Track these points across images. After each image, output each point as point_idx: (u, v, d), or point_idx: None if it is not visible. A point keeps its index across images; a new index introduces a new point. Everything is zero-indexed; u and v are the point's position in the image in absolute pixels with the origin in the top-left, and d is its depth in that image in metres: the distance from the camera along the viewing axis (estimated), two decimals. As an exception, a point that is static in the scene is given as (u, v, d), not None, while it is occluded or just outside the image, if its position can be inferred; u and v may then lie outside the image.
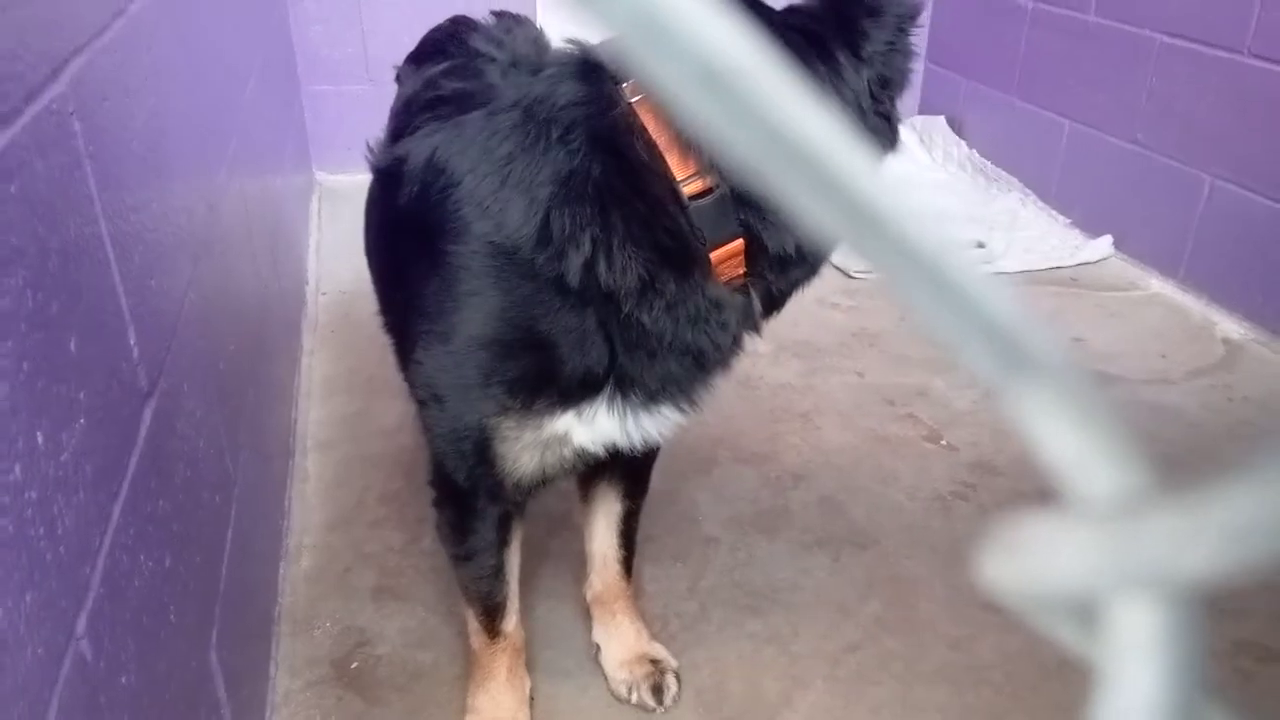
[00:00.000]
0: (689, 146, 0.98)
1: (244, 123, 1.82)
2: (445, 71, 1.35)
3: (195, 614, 1.00)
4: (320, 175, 3.31)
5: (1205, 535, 0.14)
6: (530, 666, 1.42)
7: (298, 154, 2.95)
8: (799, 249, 1.04)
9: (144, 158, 1.03)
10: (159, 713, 0.84)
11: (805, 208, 0.15)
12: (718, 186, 0.99)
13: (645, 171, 1.00)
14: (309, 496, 1.82)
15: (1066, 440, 0.16)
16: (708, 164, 0.98)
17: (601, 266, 1.01)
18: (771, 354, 2.35)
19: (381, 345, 2.34)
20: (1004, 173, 3.28)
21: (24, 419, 0.64)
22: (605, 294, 1.03)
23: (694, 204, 0.99)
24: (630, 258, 1.01)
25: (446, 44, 1.48)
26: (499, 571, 1.28)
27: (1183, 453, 1.99)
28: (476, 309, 1.08)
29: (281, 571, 1.59)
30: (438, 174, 1.10)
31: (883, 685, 1.46)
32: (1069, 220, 3.03)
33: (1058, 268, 2.81)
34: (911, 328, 2.48)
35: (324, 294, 2.58)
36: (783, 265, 1.06)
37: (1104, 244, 2.87)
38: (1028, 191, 3.18)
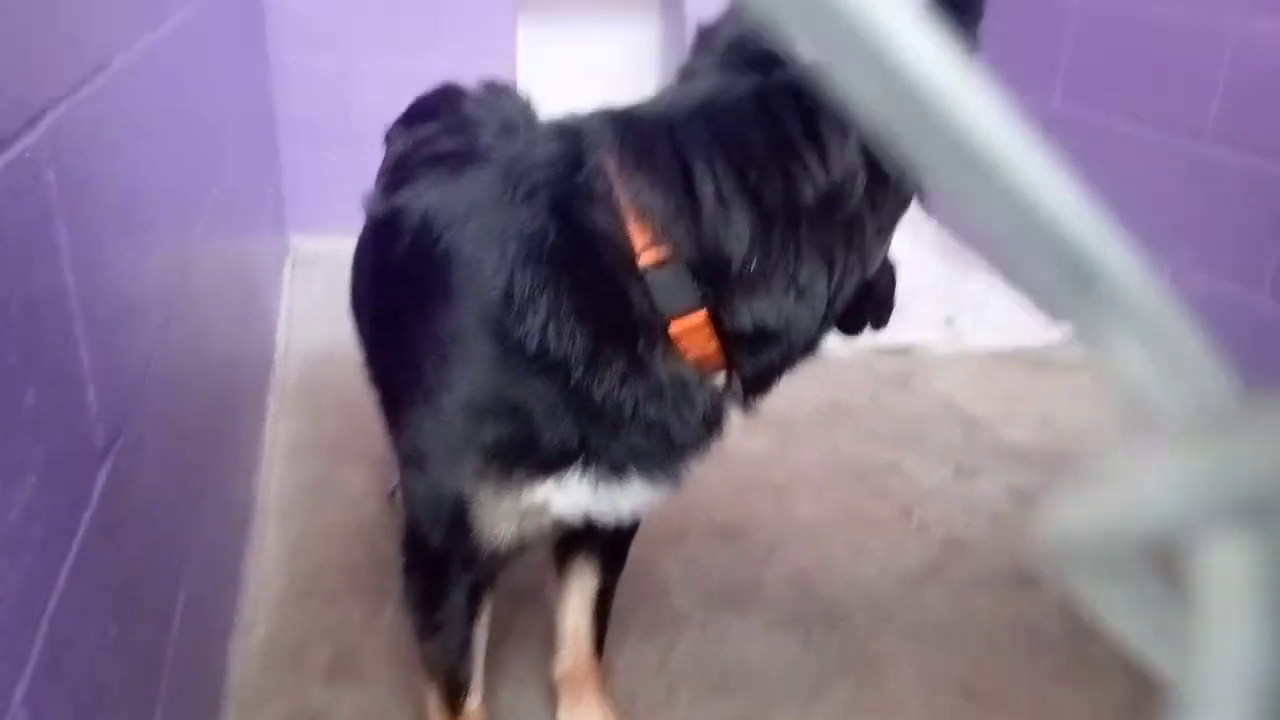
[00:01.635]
0: (646, 214, 0.95)
1: (221, 182, 1.81)
2: (439, 131, 1.38)
3: (140, 688, 0.95)
4: (296, 238, 3.30)
5: None
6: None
7: (274, 216, 2.94)
8: (763, 327, 0.99)
9: (117, 212, 1.02)
10: (95, 795, 0.78)
11: (846, 76, 0.13)
12: (674, 257, 0.96)
13: (600, 238, 0.98)
14: (266, 566, 1.76)
15: (1143, 363, 0.14)
16: (663, 232, 0.95)
17: (551, 332, 1.00)
18: (744, 425, 2.34)
19: (349, 410, 2.30)
20: (970, 253, 3.35)
21: (-29, 475, 0.61)
22: (559, 361, 1.02)
23: (650, 274, 0.96)
24: (576, 325, 1.00)
25: (438, 107, 1.51)
26: (466, 645, 1.24)
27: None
28: (458, 369, 1.07)
29: (233, 646, 1.52)
30: (429, 228, 1.11)
31: (856, 771, 1.42)
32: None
33: (1026, 347, 2.84)
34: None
35: (294, 357, 2.54)
36: (750, 345, 1.01)
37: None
38: (994, 271, 3.24)
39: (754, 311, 0.98)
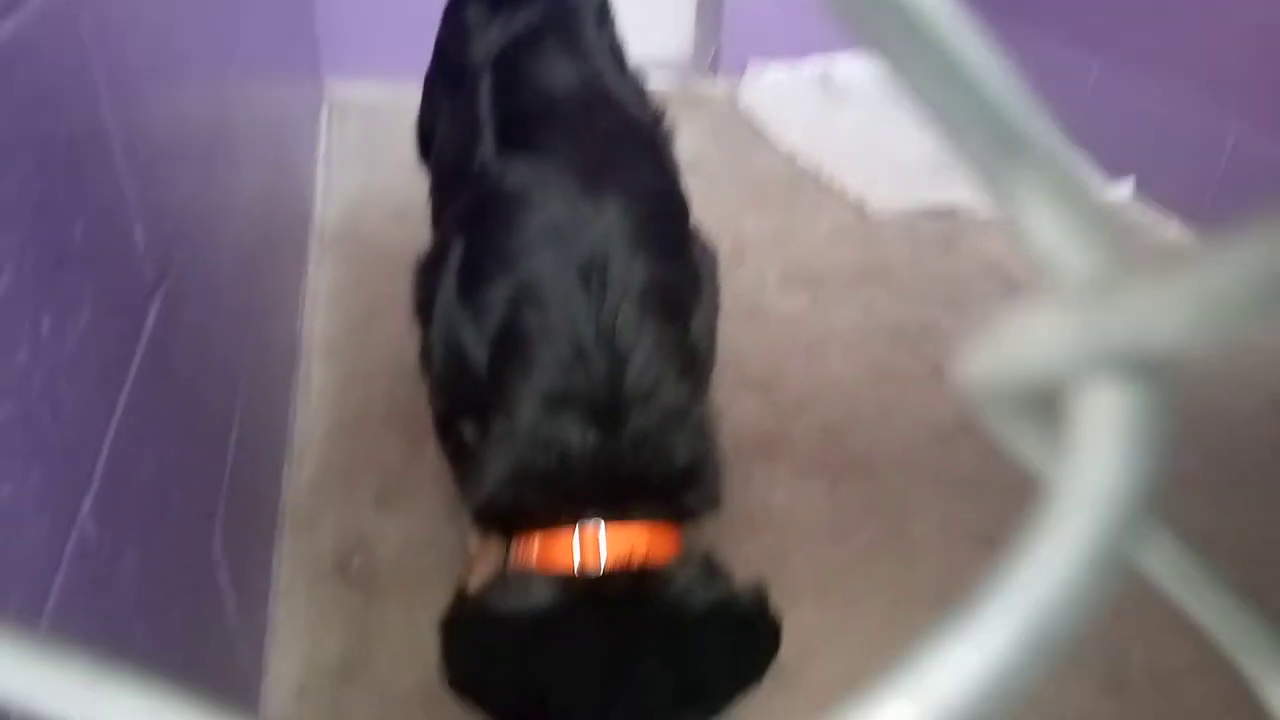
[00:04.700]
0: None
1: (253, 24, 1.78)
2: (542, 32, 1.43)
3: (199, 507, 1.02)
4: (331, 82, 3.25)
5: (1179, 304, 0.14)
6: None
7: (308, 60, 2.89)
8: None
9: (151, 53, 1.01)
10: (162, 597, 0.86)
11: None
12: None
13: None
14: (313, 403, 1.84)
15: (1051, 225, 0.16)
16: None
17: None
18: (780, 284, 2.33)
19: (388, 259, 2.33)
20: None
21: (29, 305, 0.64)
22: None
23: None
24: None
25: None
26: None
27: (1184, 397, 1.99)
28: None
29: (285, 473, 1.61)
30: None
31: (871, 609, 1.49)
32: (1090, 161, 2.98)
33: (1075, 209, 2.77)
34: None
35: (332, 204, 2.56)
36: None
37: (1125, 186, 2.83)
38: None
39: None
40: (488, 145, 1.30)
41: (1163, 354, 0.14)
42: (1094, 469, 0.14)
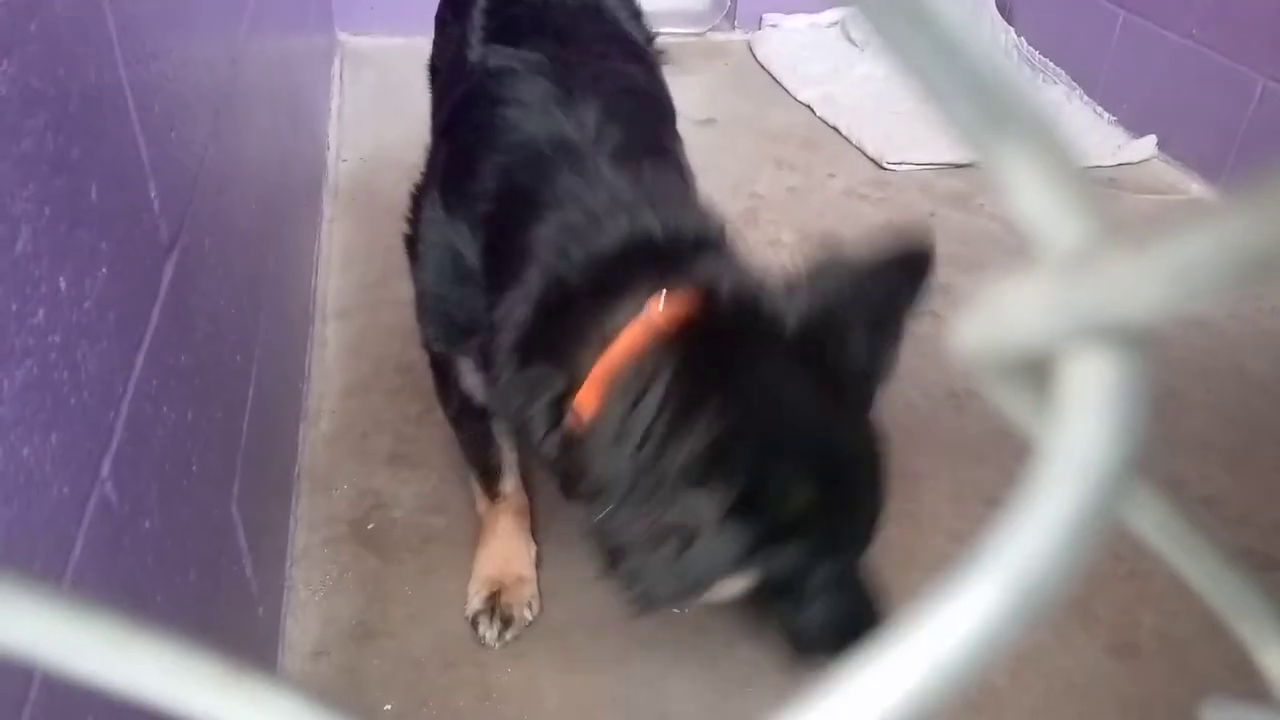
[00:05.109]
0: None
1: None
2: None
3: (217, 467, 1.03)
4: (343, 36, 3.22)
5: (1153, 274, 0.14)
6: (543, 536, 1.46)
7: (320, 13, 2.86)
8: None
9: (164, 5, 1.01)
10: (181, 557, 0.87)
11: None
12: None
13: None
14: (328, 362, 1.85)
15: (1036, 195, 0.16)
16: None
17: None
18: (795, 243, 2.32)
19: (401, 215, 2.33)
20: (1051, 64, 3.16)
21: (46, 264, 0.64)
22: None
23: None
24: None
25: None
26: (488, 435, 1.32)
27: (1203, 358, 1.97)
28: None
29: (301, 433, 1.63)
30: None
31: (881, 572, 1.50)
32: (1113, 118, 2.92)
33: (1097, 167, 2.72)
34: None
35: (345, 160, 2.55)
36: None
37: (1147, 144, 2.78)
38: (1074, 85, 3.06)
39: None
40: (475, 49, 1.29)
41: (1141, 324, 0.14)
42: (1075, 436, 0.15)
